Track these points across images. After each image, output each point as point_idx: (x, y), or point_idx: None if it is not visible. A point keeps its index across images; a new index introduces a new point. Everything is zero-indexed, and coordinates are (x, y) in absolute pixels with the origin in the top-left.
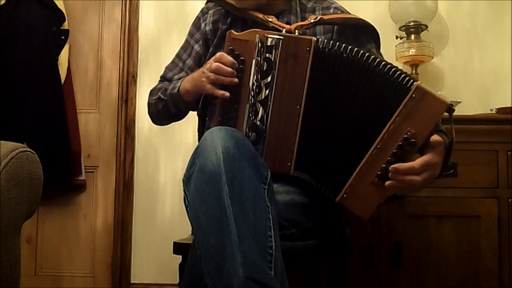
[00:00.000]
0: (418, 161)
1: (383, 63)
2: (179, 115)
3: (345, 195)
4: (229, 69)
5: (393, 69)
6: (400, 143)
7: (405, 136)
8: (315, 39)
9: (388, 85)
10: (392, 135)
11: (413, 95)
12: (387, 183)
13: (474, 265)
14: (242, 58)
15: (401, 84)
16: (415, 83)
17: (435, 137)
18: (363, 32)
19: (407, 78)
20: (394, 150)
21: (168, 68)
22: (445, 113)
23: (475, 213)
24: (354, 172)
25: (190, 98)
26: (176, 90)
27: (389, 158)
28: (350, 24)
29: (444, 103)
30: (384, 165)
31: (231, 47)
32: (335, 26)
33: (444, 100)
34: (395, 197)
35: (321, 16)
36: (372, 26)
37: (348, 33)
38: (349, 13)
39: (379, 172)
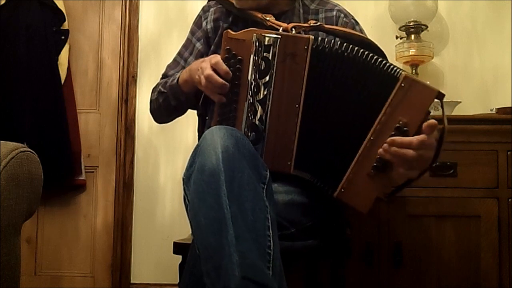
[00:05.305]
0: (416, 137)
1: (379, 59)
2: (179, 109)
3: (342, 190)
4: (220, 81)
5: (383, 62)
6: (392, 132)
7: (397, 125)
8: (313, 37)
9: (379, 78)
10: (384, 126)
11: (402, 85)
12: (379, 150)
13: (474, 265)
14: (239, 57)
15: (390, 75)
16: (402, 73)
17: (428, 121)
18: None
19: (395, 69)
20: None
21: (169, 67)
22: (436, 100)
23: (475, 213)
24: (350, 165)
25: (188, 89)
26: (175, 81)
27: None
28: (349, 38)
29: (433, 90)
30: (379, 156)
31: (228, 47)
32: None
33: (433, 87)
34: (394, 192)
35: (321, 24)
36: (377, 46)
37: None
38: (356, 25)
39: (374, 164)
